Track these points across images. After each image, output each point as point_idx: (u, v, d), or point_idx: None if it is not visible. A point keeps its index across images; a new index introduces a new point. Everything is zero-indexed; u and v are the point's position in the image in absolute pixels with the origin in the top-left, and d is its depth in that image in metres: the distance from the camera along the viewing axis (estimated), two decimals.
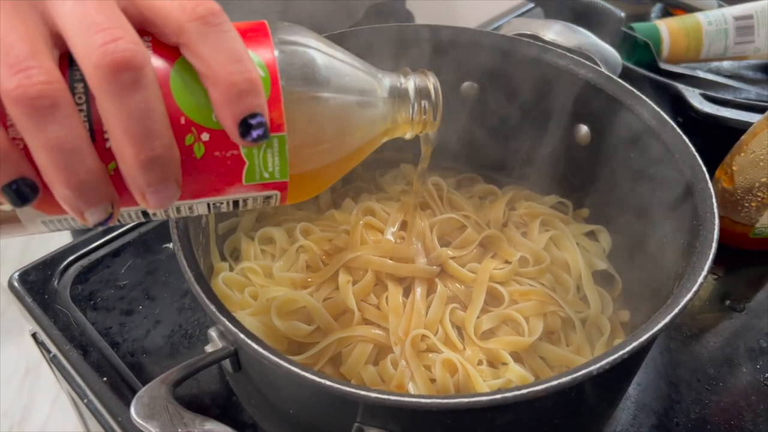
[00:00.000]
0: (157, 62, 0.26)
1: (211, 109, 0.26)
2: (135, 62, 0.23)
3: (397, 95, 0.34)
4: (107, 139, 0.25)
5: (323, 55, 0.30)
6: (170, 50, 0.26)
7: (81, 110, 0.25)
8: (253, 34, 0.28)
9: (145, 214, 0.29)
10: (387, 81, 0.34)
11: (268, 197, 0.30)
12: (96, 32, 0.23)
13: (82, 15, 0.24)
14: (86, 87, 0.25)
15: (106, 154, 0.26)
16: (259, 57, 0.28)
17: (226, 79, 0.25)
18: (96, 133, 0.25)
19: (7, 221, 0.27)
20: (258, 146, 0.27)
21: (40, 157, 0.24)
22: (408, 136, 0.36)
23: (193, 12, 0.25)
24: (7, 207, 0.26)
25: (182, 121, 0.26)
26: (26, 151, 0.24)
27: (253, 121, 0.26)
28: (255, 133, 0.26)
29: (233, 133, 0.26)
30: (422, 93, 0.35)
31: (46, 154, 0.24)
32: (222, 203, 0.29)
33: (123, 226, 0.57)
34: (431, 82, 0.35)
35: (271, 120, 0.27)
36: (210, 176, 0.28)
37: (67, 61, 0.25)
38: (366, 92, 0.32)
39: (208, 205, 0.29)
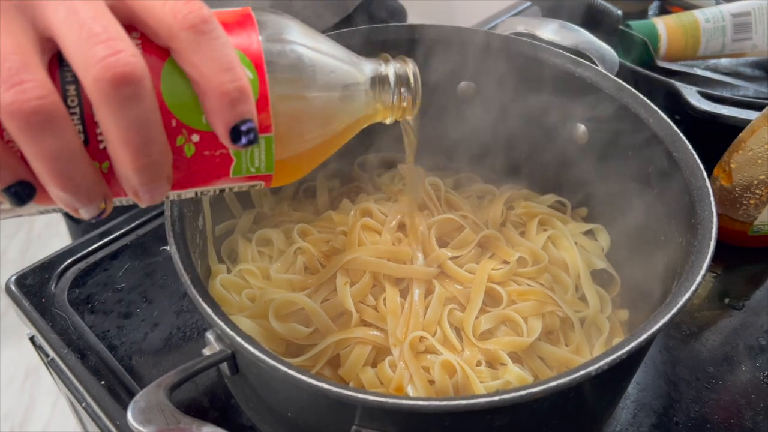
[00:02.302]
0: (148, 62, 0.26)
1: (201, 112, 0.27)
2: (135, 76, 0.24)
3: (378, 83, 0.35)
4: (101, 141, 0.26)
5: (309, 51, 0.31)
6: (160, 49, 0.26)
7: (74, 113, 0.25)
8: (240, 30, 0.28)
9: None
10: (368, 69, 0.35)
11: (253, 185, 0.31)
12: (95, 44, 0.23)
13: (78, 25, 0.24)
14: (78, 89, 0.25)
15: (99, 154, 0.26)
16: (247, 57, 0.28)
17: (217, 88, 0.25)
18: (90, 136, 0.26)
19: (7, 211, 0.28)
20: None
21: (36, 165, 0.24)
22: (388, 121, 0.37)
23: (184, 20, 0.25)
24: (6, 205, 0.27)
25: (173, 123, 0.27)
26: (22, 155, 0.25)
27: (243, 128, 0.26)
28: (245, 139, 0.27)
29: (225, 139, 0.27)
30: (402, 80, 0.35)
31: (41, 164, 0.24)
32: (209, 191, 0.30)
33: (120, 228, 0.57)
34: (410, 69, 0.36)
35: (259, 122, 0.28)
36: (199, 172, 0.29)
37: (56, 62, 0.25)
38: (349, 86, 0.33)
39: (196, 193, 0.30)
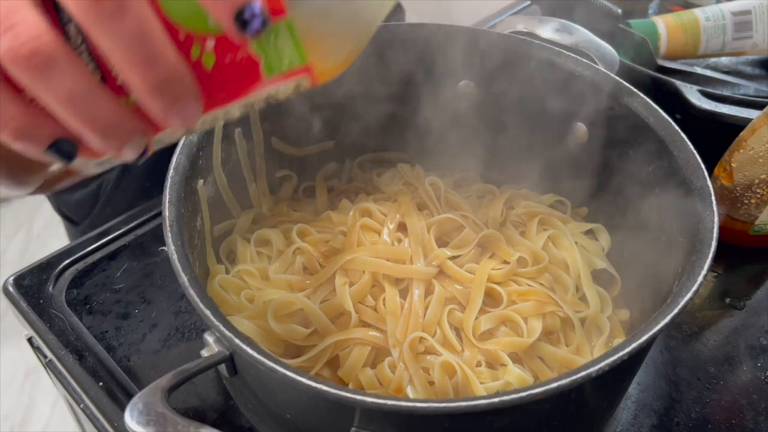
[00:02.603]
0: None
1: (207, 13, 0.24)
2: None
3: None
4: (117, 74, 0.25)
5: None
6: None
7: (80, 52, 0.24)
8: None
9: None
10: None
11: (298, 85, 0.28)
12: None
13: None
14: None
15: (120, 89, 0.25)
16: None
17: None
18: (104, 71, 0.24)
19: (67, 174, 0.27)
20: (264, 38, 0.26)
21: (57, 111, 0.23)
22: None
23: None
24: (56, 166, 0.26)
25: (182, 36, 0.25)
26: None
27: (247, 14, 0.24)
28: (254, 24, 0.24)
29: (232, 31, 0.24)
30: None
31: (61, 109, 0.23)
32: (253, 102, 0.28)
33: (119, 229, 0.57)
34: None
35: (270, 6, 0.25)
36: (229, 83, 0.26)
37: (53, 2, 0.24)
38: None
39: (240, 108, 0.28)
